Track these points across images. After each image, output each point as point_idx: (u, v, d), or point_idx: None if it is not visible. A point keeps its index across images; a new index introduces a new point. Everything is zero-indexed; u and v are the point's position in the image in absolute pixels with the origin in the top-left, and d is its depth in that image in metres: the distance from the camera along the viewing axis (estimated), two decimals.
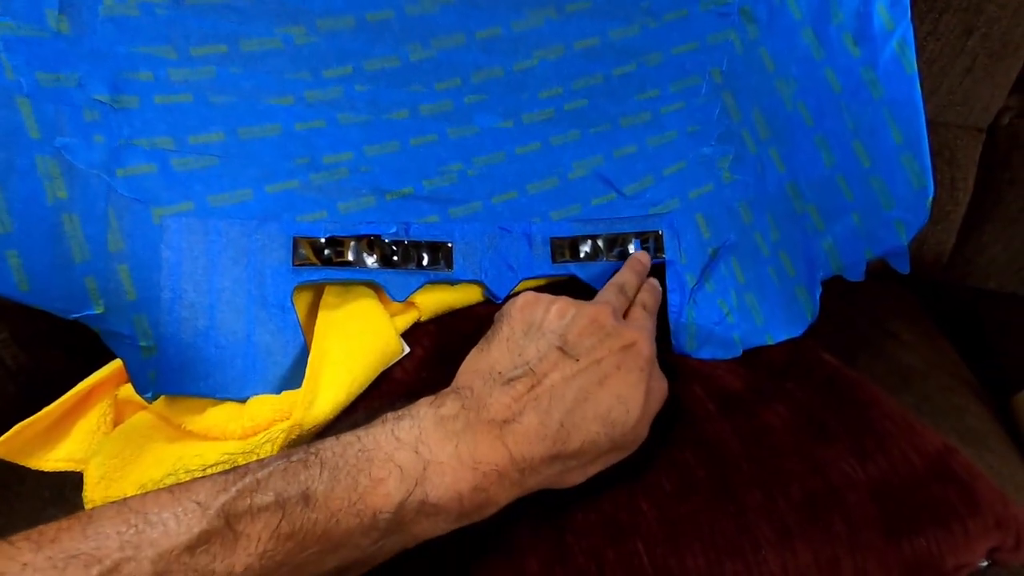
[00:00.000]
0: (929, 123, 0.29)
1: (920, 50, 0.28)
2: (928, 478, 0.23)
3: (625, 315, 0.26)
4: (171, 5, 0.26)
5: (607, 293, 0.27)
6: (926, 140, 0.29)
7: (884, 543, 0.21)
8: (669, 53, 0.31)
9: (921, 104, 0.29)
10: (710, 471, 0.21)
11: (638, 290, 0.28)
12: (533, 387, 0.21)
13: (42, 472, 0.26)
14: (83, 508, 0.26)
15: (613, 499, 0.21)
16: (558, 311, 0.24)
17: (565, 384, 0.21)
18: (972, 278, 0.55)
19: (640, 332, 0.24)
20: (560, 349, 0.22)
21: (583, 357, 0.22)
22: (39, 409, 0.26)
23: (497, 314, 0.25)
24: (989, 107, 0.51)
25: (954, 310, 0.53)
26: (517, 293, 0.30)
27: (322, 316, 0.27)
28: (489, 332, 0.24)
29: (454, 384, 0.23)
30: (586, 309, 0.24)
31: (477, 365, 0.23)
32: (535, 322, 0.24)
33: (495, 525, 0.21)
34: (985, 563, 0.23)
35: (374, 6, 0.28)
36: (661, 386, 0.24)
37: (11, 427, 0.25)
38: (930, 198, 0.28)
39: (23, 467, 0.26)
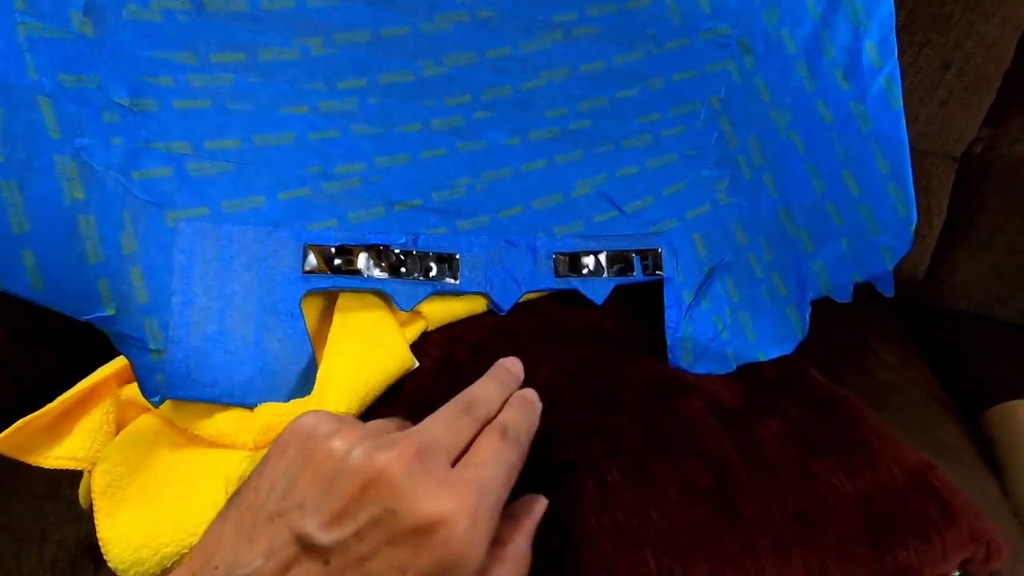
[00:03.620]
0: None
1: (901, 81, 0.30)
2: (910, 492, 0.24)
3: (465, 452, 0.17)
4: (192, 12, 0.26)
5: (437, 420, 0.17)
6: (910, 171, 0.30)
7: (870, 554, 0.22)
8: (670, 79, 0.33)
9: (906, 138, 0.30)
10: (712, 483, 0.22)
11: (501, 407, 0.19)
12: None
13: (39, 468, 0.26)
14: (79, 505, 0.26)
15: (624, 505, 0.22)
16: (317, 467, 0.15)
17: None
18: (945, 299, 0.58)
19: (461, 496, 0.15)
20: (300, 540, 0.15)
21: (336, 556, 0.14)
22: (35, 406, 0.26)
23: (273, 442, 0.18)
24: (963, 137, 0.54)
25: (928, 330, 0.56)
26: (523, 303, 0.31)
27: (335, 329, 0.27)
28: (247, 478, 0.17)
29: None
30: (366, 463, 0.15)
31: (207, 541, 0.16)
32: (280, 485, 0.16)
33: None
34: (958, 574, 0.25)
35: (390, 22, 0.29)
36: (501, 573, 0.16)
37: (8, 423, 0.25)
38: (914, 226, 0.30)
39: (19, 463, 0.26)
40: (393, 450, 0.15)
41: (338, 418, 0.18)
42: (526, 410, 0.20)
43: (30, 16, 0.23)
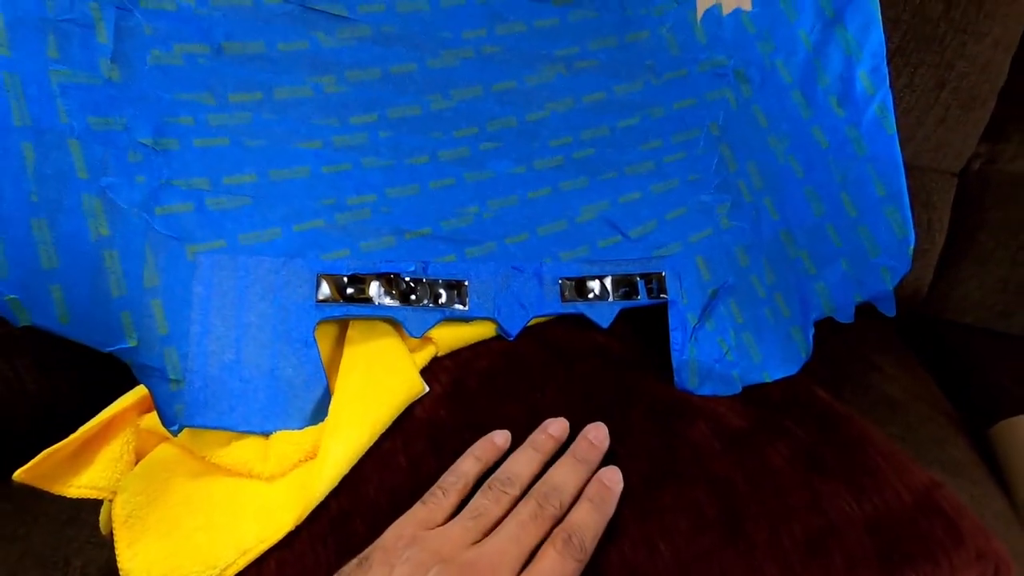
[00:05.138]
0: (906, 167, 0.31)
1: (897, 101, 0.31)
2: (917, 513, 0.24)
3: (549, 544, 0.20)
4: (212, 55, 0.27)
5: (507, 532, 0.20)
6: (907, 194, 0.31)
7: None
8: (670, 108, 0.34)
9: (901, 162, 0.31)
10: (720, 509, 0.23)
11: (580, 490, 0.22)
12: None
13: (62, 495, 0.27)
14: (100, 531, 0.27)
15: (632, 538, 0.22)
16: None
17: None
18: (948, 313, 0.58)
19: None
20: None
21: None
22: (57, 434, 0.27)
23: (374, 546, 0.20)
24: (961, 153, 0.55)
25: (933, 344, 0.56)
26: (531, 328, 0.31)
27: (347, 357, 0.28)
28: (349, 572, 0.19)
29: None
30: None
31: None
32: None
33: None
34: None
35: (399, 59, 0.30)
36: None
37: (30, 451, 0.26)
38: (911, 247, 0.31)
39: (42, 490, 0.26)
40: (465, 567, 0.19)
41: (416, 524, 0.20)
42: (600, 506, 0.22)
43: (61, 64, 0.24)
